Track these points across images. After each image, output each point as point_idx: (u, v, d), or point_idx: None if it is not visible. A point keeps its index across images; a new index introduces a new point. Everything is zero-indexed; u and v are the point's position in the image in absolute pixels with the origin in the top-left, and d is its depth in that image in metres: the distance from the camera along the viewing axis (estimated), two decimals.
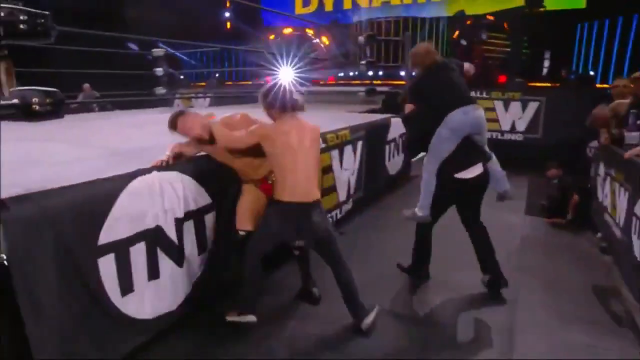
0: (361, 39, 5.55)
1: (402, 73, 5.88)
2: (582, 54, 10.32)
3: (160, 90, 6.09)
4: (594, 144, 5.76)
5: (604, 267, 3.19)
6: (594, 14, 10.03)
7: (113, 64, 5.98)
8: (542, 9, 10.59)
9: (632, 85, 3.29)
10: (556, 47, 10.85)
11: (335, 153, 3.79)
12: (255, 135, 2.08)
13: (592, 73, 9.86)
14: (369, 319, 2.20)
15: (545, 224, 4.21)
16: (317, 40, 16.01)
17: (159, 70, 6.41)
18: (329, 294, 2.45)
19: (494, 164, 2.86)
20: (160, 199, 1.91)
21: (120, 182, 1.77)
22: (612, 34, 9.74)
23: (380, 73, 11.44)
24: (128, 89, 5.98)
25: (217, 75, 13.27)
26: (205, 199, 2.22)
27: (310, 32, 16.79)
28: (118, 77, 6.08)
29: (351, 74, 16.76)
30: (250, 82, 14.43)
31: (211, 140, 2.18)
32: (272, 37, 16.83)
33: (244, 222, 2.26)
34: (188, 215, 2.09)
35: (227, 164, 2.27)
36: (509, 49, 11.91)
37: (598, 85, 9.00)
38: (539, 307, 2.63)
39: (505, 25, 12.05)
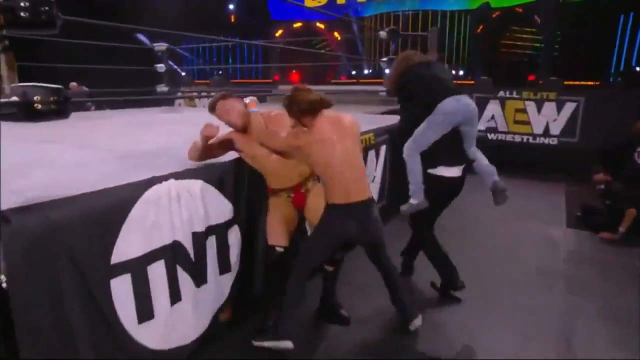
0: (383, 34, 5.41)
1: None
2: (624, 49, 10.06)
3: (162, 88, 6.03)
4: None
5: None
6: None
7: (112, 59, 5.92)
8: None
9: None
10: (594, 42, 10.59)
11: None
12: (291, 147, 2.08)
13: (639, 69, 9.52)
14: (418, 321, 2.35)
15: (591, 238, 4.05)
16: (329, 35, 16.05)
17: (161, 67, 6.37)
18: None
19: (482, 159, 2.86)
20: (179, 210, 1.79)
21: (134, 191, 1.66)
22: None
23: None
24: (126, 86, 5.93)
25: (220, 72, 13.25)
26: (228, 211, 2.11)
27: (321, 26, 16.77)
28: (115, 74, 6.03)
29: (366, 71, 16.74)
30: (258, 80, 14.47)
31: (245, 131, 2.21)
32: (279, 32, 16.83)
33: (278, 237, 2.22)
34: (210, 229, 1.98)
35: (256, 166, 2.24)
36: (540, 45, 11.74)
37: None
38: (598, 337, 2.48)
39: (537, 18, 11.87)
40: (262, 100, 8.98)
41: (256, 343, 2.11)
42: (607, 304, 2.81)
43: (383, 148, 4.18)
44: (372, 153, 3.91)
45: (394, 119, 5.08)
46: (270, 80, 14.51)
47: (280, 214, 2.26)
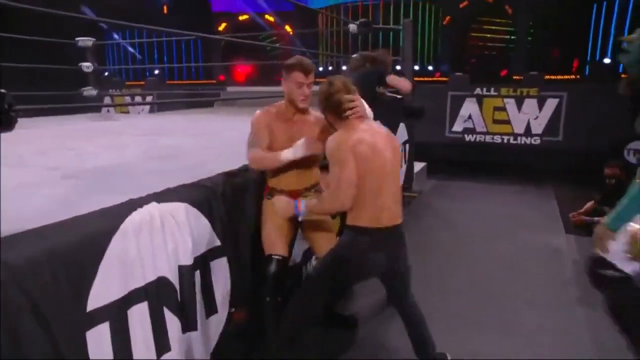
0: (353, 27, 5.49)
1: (399, 68, 5.87)
2: (598, 41, 10.87)
3: (90, 92, 5.75)
4: (638, 145, 6.03)
5: None
6: None
7: (24, 57, 5.52)
8: None
9: None
10: (568, 33, 11.34)
11: None
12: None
13: (607, 61, 10.33)
14: None
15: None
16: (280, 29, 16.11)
17: (88, 66, 6.06)
18: None
19: None
20: (164, 239, 1.69)
21: (112, 219, 1.55)
22: (638, 13, 10.21)
23: None
24: (40, 88, 5.57)
25: (156, 72, 12.86)
26: (213, 239, 2.02)
27: (270, 19, 16.81)
28: (28, 74, 5.67)
29: (320, 69, 16.93)
30: (200, 81, 14.16)
31: None
32: (223, 26, 16.68)
33: (275, 246, 2.27)
34: (197, 261, 1.88)
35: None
36: (511, 37, 12.44)
37: (624, 76, 9.48)
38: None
39: (508, 8, 12.58)
40: (209, 105, 8.84)
41: None
42: (629, 318, 2.94)
43: None
44: None
45: None
46: (215, 81, 14.30)
47: (277, 221, 2.30)
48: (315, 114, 2.40)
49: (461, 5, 13.26)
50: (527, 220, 4.91)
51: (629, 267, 3.09)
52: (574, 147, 6.72)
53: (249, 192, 2.40)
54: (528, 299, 3.17)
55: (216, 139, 4.16)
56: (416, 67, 15.11)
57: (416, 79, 9.29)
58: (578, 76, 9.35)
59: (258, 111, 2.42)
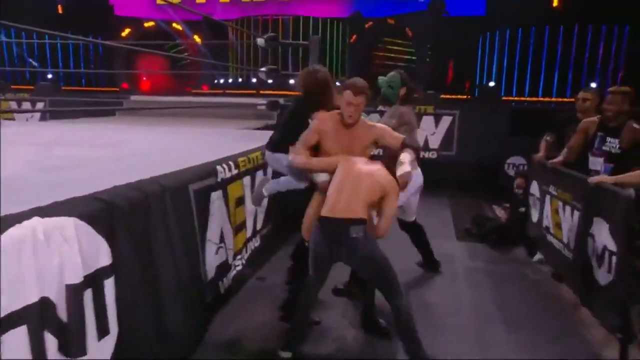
0: (261, 41, 5.56)
1: (292, 82, 6.05)
2: (485, 64, 12.15)
3: None
4: (515, 160, 6.71)
5: (563, 298, 3.59)
6: (496, 23, 11.92)
7: None
8: (444, 14, 12.15)
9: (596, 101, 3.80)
10: (459, 56, 12.52)
11: (247, 180, 3.70)
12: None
13: (492, 84, 11.61)
14: None
15: (482, 249, 4.69)
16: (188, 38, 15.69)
17: None
18: None
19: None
20: (49, 256, 1.57)
21: None
22: (513, 44, 11.70)
23: (270, 81, 11.77)
24: None
25: (49, 76, 11.83)
26: (107, 256, 1.91)
27: (178, 27, 16.31)
28: None
29: (230, 81, 16.76)
30: (101, 89, 13.33)
31: None
32: (127, 32, 15.87)
33: None
34: (88, 279, 1.77)
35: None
36: (413, 57, 13.32)
37: (505, 98, 10.61)
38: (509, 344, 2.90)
39: (408, 30, 13.49)
40: (110, 114, 8.34)
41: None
42: (510, 312, 3.33)
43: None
44: (259, 173, 3.93)
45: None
46: (117, 89, 13.55)
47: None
48: (369, 124, 2.76)
49: (367, 26, 13.98)
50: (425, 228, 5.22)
51: None
52: (465, 161, 7.24)
53: (160, 205, 2.33)
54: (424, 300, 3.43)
55: (118, 150, 3.96)
56: None
57: None
58: (469, 96, 10.32)
59: (322, 112, 2.79)
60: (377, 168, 2.60)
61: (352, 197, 2.49)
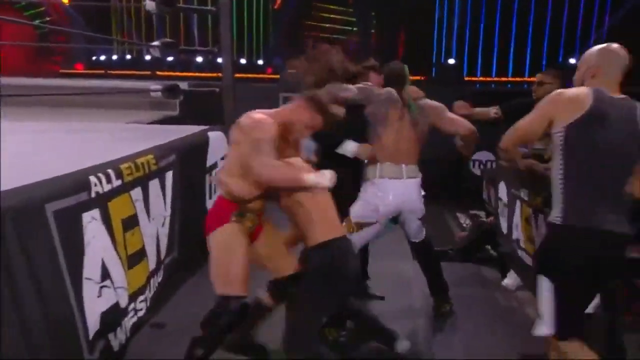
0: (150, 4, 5.33)
1: (220, 60, 5.94)
2: (443, 37, 12.39)
3: None
4: (482, 155, 6.96)
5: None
6: None
7: None
8: None
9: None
10: (412, 27, 12.63)
11: (137, 193, 3.55)
12: None
13: (452, 61, 11.87)
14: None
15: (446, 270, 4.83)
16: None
17: None
18: None
19: None
20: None
21: None
22: (477, 12, 12.00)
23: (170, 59, 11.50)
24: None
25: None
26: None
27: None
28: None
29: (115, 57, 16.13)
30: None
31: None
32: None
33: (240, 284, 2.75)
34: None
35: None
36: (351, 28, 13.36)
37: (467, 78, 10.94)
38: None
39: None
40: None
41: None
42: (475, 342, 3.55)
43: (169, 176, 4.15)
44: (155, 184, 3.83)
45: (178, 131, 5.09)
46: None
47: (244, 253, 2.74)
48: None
49: None
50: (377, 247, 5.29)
51: None
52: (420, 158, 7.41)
53: None
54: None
55: None
56: (243, 61, 15.40)
57: (241, 75, 9.45)
58: (423, 77, 10.55)
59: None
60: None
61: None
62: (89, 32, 12.06)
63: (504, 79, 12.95)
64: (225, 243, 2.76)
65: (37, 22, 12.76)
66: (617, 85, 2.59)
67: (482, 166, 6.98)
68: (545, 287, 2.57)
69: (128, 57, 15.35)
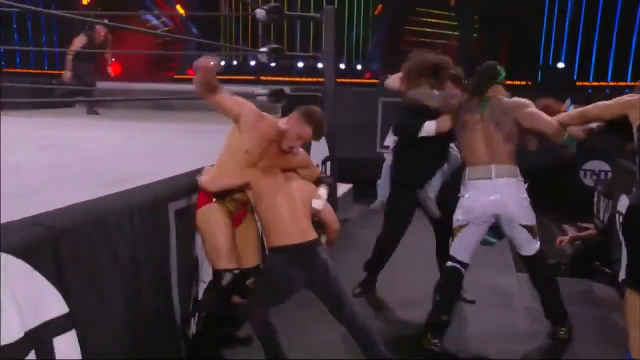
0: (261, 12, 5.45)
1: (321, 65, 5.95)
2: (552, 41, 11.73)
3: None
4: (594, 165, 6.48)
5: None
6: None
7: None
8: None
9: None
10: (517, 30, 12.06)
11: None
12: None
13: (561, 65, 11.19)
14: None
15: None
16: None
17: None
18: None
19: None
20: None
21: None
22: (591, 14, 11.18)
23: (273, 64, 11.72)
24: None
25: None
26: (57, 303, 1.85)
27: None
28: None
29: (222, 63, 16.66)
30: (52, 71, 13.32)
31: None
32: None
33: (230, 258, 2.92)
34: (31, 336, 1.71)
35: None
36: (453, 32, 13.00)
37: (578, 84, 10.28)
38: None
39: None
40: (67, 105, 8.28)
41: None
42: None
43: None
44: None
45: None
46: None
47: (227, 228, 2.93)
48: None
49: None
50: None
51: None
52: (522, 167, 7.06)
53: (122, 226, 2.30)
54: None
55: (69, 154, 3.90)
56: (342, 66, 15.40)
57: (341, 80, 9.45)
58: (529, 82, 10.04)
59: None
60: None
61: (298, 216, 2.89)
62: (201, 40, 12.53)
63: (619, 83, 12.00)
64: (208, 220, 2.93)
65: (158, 31, 13.41)
66: None
67: (594, 176, 6.51)
68: None
69: (234, 62, 15.80)
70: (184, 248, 2.91)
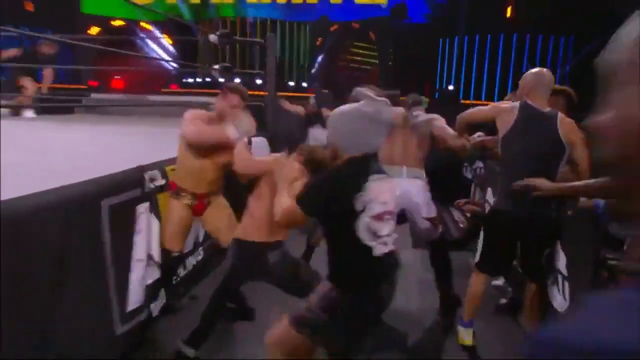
0: (213, 37, 4.91)
1: (259, 82, 5.42)
2: (445, 69, 11.77)
3: None
4: (476, 163, 6.17)
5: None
6: (455, 30, 11.69)
7: None
8: (406, 20, 11.77)
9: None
10: (420, 61, 12.12)
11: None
12: None
13: (451, 88, 11.27)
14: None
15: None
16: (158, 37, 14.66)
17: None
18: None
19: None
20: None
21: None
22: (471, 49, 11.40)
23: (238, 80, 11.09)
24: None
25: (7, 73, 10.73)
26: None
27: (147, 27, 15.23)
28: None
29: (199, 80, 15.85)
30: (65, 85, 12.26)
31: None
32: (97, 30, 14.72)
33: (175, 242, 2.70)
34: None
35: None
36: (375, 61, 12.83)
37: (463, 101, 10.22)
38: None
39: (372, 34, 13.01)
40: (69, 111, 7.46)
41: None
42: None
43: None
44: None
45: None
46: (85, 86, 12.46)
47: (179, 218, 2.67)
48: None
49: (332, 29, 13.47)
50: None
51: None
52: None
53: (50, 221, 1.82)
54: None
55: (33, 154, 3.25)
56: (291, 83, 14.91)
57: (290, 94, 8.91)
58: (428, 98, 10.06)
59: None
60: None
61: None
62: (174, 61, 11.74)
63: (491, 102, 12.16)
64: (166, 205, 2.74)
65: (145, 56, 12.55)
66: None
67: (472, 172, 6.22)
68: None
69: (208, 79, 15.01)
70: (120, 243, 2.32)
